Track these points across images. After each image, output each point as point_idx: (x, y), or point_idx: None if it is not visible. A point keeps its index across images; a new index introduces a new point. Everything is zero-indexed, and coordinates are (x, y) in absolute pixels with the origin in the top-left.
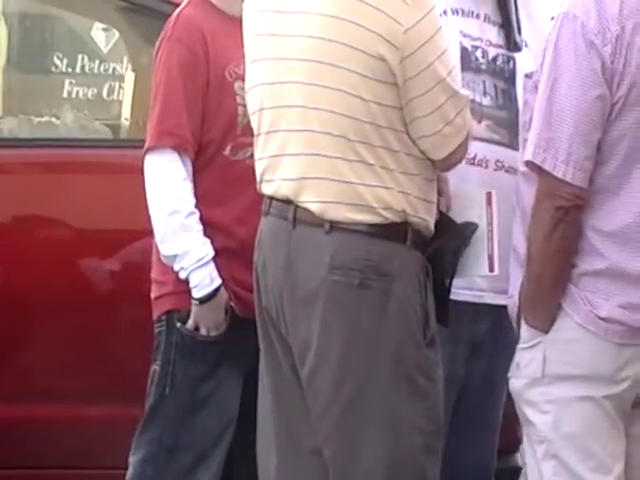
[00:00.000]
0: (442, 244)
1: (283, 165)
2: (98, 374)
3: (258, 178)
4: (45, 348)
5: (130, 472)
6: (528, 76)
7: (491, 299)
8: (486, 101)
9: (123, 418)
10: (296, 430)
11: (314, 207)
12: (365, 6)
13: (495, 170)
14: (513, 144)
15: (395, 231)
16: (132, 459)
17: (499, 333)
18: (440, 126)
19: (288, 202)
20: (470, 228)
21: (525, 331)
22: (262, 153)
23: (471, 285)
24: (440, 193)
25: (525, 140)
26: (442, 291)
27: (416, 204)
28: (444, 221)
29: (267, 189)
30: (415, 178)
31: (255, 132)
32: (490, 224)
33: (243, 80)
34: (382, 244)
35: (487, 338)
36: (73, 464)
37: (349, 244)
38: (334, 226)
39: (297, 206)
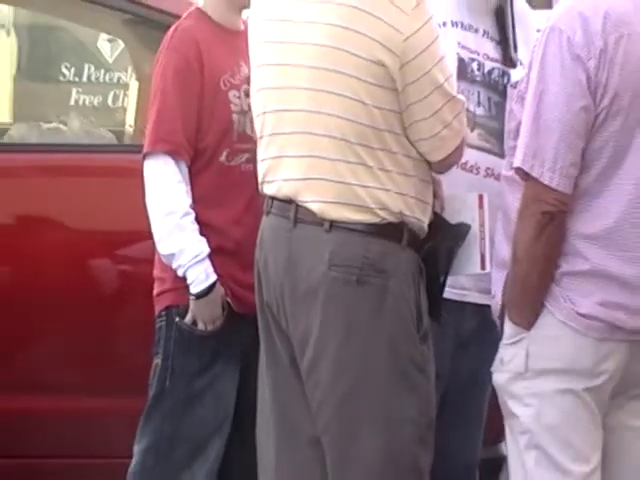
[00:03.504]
0: (436, 244)
1: (285, 166)
2: (103, 367)
3: (260, 179)
4: (51, 343)
5: (133, 461)
6: (513, 86)
7: (476, 298)
8: (479, 111)
9: (127, 410)
10: (295, 420)
11: (315, 207)
12: (367, 16)
13: (485, 177)
14: (503, 153)
15: (392, 231)
16: (136, 448)
17: (486, 332)
18: (438, 129)
19: (289, 202)
20: (463, 229)
21: (509, 328)
22: (265, 155)
23: (454, 283)
24: (435, 195)
25: (510, 147)
26: (436, 288)
27: (412, 205)
28: (438, 222)
29: (269, 189)
30: (412, 179)
31: (258, 134)
32: (482, 225)
33: (237, 89)
34: (379, 243)
35: (474, 337)
36: (77, 454)
37: (348, 242)
38: (334, 225)
39: (298, 205)
